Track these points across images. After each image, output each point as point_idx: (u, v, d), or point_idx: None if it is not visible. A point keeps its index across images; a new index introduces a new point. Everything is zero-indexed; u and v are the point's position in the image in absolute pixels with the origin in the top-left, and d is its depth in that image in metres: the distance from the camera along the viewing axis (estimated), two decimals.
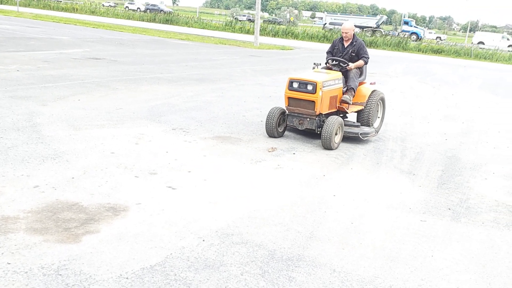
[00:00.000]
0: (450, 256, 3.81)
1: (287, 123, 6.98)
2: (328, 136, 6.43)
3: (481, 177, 6.07)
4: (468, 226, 4.46)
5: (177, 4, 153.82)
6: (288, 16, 67.47)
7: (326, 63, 7.50)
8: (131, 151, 5.73)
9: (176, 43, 24.25)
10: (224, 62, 17.13)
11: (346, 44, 7.46)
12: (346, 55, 7.43)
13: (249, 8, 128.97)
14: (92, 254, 3.30)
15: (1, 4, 51.77)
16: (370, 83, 7.81)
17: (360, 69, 7.54)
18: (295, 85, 6.66)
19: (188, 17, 48.84)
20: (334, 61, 7.36)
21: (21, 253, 3.23)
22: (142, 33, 28.29)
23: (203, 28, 42.12)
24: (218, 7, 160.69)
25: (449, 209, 4.85)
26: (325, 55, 7.76)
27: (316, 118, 6.74)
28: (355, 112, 7.56)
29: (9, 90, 8.49)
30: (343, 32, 7.43)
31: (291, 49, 27.97)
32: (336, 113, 7.26)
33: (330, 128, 6.44)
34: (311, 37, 40.58)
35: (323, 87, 6.57)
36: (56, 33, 22.54)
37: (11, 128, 6.14)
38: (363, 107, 7.46)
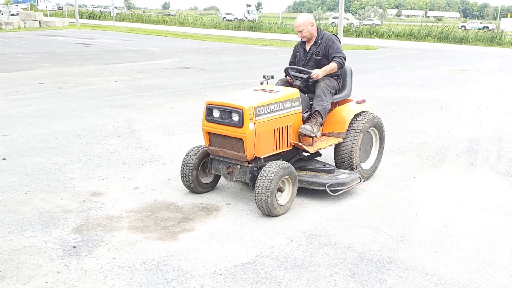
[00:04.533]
0: None
1: (212, 170, 4.63)
2: (261, 195, 4.04)
3: None
4: None
5: (260, 11, 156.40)
6: (372, 15, 65.98)
7: (285, 75, 5.19)
8: None
9: (260, 49, 24.69)
10: None
11: (308, 46, 5.13)
12: (310, 61, 5.09)
13: (332, 9, 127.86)
14: (188, 251, 3.51)
15: (99, 19, 55.97)
16: (357, 102, 5.25)
17: (337, 79, 5.12)
18: (216, 113, 4.30)
19: (271, 23, 49.46)
20: (293, 71, 5.05)
21: (125, 249, 3.51)
22: (227, 42, 29.14)
23: (286, 33, 42.42)
24: (300, 11, 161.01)
25: None
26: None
27: (250, 165, 4.33)
28: (333, 145, 4.98)
29: (109, 100, 9.20)
30: (297, 32, 5.10)
31: (376, 49, 27.33)
32: (291, 153, 4.82)
33: (264, 182, 4.03)
34: (397, 35, 39.37)
35: (258, 115, 4.18)
36: (148, 45, 23.94)
37: (112, 135, 6.67)
38: (341, 140, 4.98)
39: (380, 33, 40.33)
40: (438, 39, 37.14)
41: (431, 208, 4.51)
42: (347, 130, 4.96)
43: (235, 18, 61.51)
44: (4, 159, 5.49)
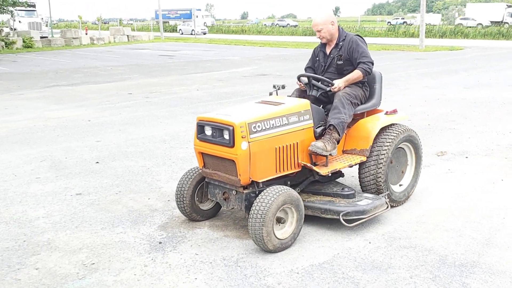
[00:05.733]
0: None
1: (209, 195, 4.05)
2: (255, 227, 3.43)
3: None
4: None
5: (338, 15, 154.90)
6: (456, 15, 62.99)
7: (301, 85, 4.51)
8: None
9: None
10: (387, 68, 16.75)
11: (328, 50, 4.44)
12: (330, 67, 4.40)
13: (413, 11, 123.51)
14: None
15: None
16: (387, 113, 4.44)
17: (362, 87, 4.39)
18: (208, 131, 3.77)
19: (349, 26, 48.90)
20: (310, 80, 4.33)
21: (206, 246, 3.68)
22: (304, 47, 29.19)
23: (365, 36, 41.48)
24: (380, 14, 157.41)
25: None
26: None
27: (245, 191, 3.71)
28: (354, 165, 4.23)
29: (191, 107, 9.61)
30: (315, 32, 4.40)
31: (460, 49, 26.09)
32: (302, 175, 4.10)
33: (259, 212, 3.42)
34: (484, 35, 37.27)
35: (253, 132, 3.56)
36: (228, 54, 24.61)
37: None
38: (364, 159, 4.23)
39: (465, 33, 38.41)
40: None
41: None
42: (372, 147, 4.19)
43: (479, 24, 47.14)
44: (97, 162, 5.94)
